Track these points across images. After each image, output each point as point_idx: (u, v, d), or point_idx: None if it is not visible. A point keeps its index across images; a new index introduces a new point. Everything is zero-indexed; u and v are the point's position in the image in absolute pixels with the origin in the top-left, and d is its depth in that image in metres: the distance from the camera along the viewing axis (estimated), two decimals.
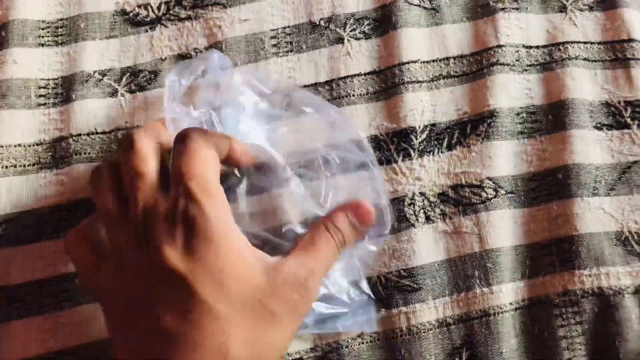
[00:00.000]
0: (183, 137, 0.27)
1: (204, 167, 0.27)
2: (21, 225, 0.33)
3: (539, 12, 0.37)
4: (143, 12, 0.38)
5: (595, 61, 0.36)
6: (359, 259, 0.31)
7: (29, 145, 0.35)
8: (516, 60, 0.36)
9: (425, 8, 0.37)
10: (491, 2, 0.37)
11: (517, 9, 0.37)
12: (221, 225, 0.26)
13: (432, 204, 0.33)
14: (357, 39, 0.37)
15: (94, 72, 0.36)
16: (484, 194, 0.33)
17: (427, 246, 0.33)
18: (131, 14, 0.38)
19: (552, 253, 0.32)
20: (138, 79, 0.36)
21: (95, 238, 0.29)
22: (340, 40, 0.37)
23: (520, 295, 0.32)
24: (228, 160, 0.29)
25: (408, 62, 0.35)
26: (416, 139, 0.34)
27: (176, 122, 0.30)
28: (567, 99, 0.35)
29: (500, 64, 0.35)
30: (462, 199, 0.33)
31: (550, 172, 0.34)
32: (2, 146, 0.34)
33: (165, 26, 0.38)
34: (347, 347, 0.31)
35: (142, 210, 0.26)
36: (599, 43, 0.37)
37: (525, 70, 0.36)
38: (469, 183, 0.33)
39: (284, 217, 0.31)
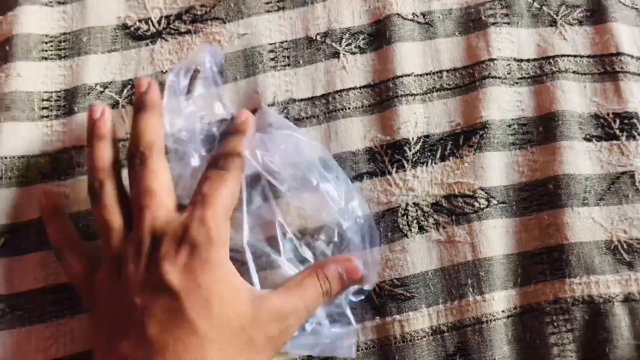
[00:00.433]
0: (216, 162, 0.30)
1: (227, 197, 0.29)
2: (23, 235, 0.34)
3: (529, 27, 0.38)
4: (144, 27, 0.39)
5: (585, 74, 0.37)
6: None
7: (32, 157, 0.35)
8: (507, 74, 0.37)
9: (418, 23, 0.38)
10: (483, 17, 0.38)
11: (508, 23, 0.38)
12: (221, 252, 0.28)
13: (426, 214, 0.34)
14: (353, 53, 0.38)
15: (96, 85, 0.37)
16: (476, 204, 0.34)
17: (420, 255, 0.33)
18: (132, 28, 0.39)
19: (543, 262, 0.33)
20: None
21: (84, 248, 0.32)
22: (336, 54, 0.38)
23: (512, 303, 0.32)
24: None
25: (402, 76, 0.36)
26: (410, 150, 0.35)
27: (174, 115, 0.33)
28: (557, 111, 0.35)
29: (492, 77, 0.36)
30: (455, 209, 0.34)
31: (541, 182, 0.34)
32: (5, 157, 0.35)
33: (166, 40, 0.38)
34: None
35: (151, 228, 0.28)
36: (588, 56, 0.37)
37: (517, 83, 0.37)
38: (461, 193, 0.34)
39: (281, 228, 0.32)
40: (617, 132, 0.35)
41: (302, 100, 0.36)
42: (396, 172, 0.35)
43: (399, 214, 0.34)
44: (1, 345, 0.32)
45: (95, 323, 0.30)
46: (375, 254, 0.32)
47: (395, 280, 0.33)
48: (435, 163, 0.35)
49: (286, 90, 0.37)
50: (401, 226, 0.34)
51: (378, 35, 0.38)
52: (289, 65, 0.37)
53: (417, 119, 0.36)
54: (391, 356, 0.32)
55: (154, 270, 0.27)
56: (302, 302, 0.29)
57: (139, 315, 0.26)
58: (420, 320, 0.32)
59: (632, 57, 0.37)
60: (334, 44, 0.38)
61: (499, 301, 0.32)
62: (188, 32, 0.38)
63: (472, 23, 0.38)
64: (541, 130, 0.36)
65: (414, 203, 0.34)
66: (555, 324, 0.32)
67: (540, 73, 0.37)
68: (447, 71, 0.37)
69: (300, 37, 0.38)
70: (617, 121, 0.36)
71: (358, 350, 0.32)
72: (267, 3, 0.39)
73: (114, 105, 0.37)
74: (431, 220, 0.34)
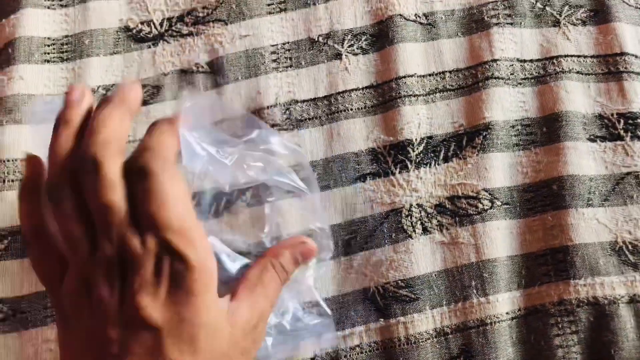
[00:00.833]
0: (143, 173, 0.23)
1: (179, 211, 0.23)
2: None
3: (532, 27, 0.38)
4: (146, 29, 0.39)
5: (589, 74, 0.37)
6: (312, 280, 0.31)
7: None
8: (511, 74, 0.37)
9: (421, 23, 0.38)
10: (486, 17, 0.38)
11: (512, 23, 0.38)
12: (205, 277, 0.24)
13: (429, 215, 0.34)
14: (355, 54, 0.37)
15: (98, 88, 0.37)
16: (480, 205, 0.34)
17: (424, 257, 0.33)
18: (134, 31, 0.39)
19: (547, 263, 0.33)
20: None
21: (54, 246, 0.26)
22: (338, 55, 0.37)
23: (516, 305, 0.32)
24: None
25: (405, 76, 0.36)
26: (413, 151, 0.35)
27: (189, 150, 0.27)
28: (561, 111, 0.35)
29: (495, 78, 0.36)
30: (458, 210, 0.34)
31: (545, 183, 0.34)
32: (8, 160, 0.35)
33: (168, 42, 0.38)
34: (346, 356, 0.32)
35: (118, 248, 0.23)
36: (592, 56, 0.37)
37: (520, 83, 0.37)
38: (465, 194, 0.34)
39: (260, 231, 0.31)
40: (622, 132, 0.35)
41: (304, 101, 0.36)
42: (399, 172, 0.35)
43: (403, 215, 0.34)
44: (4, 348, 0.32)
45: (65, 342, 0.26)
46: (324, 222, 0.31)
47: (399, 282, 0.33)
48: (438, 164, 0.35)
49: (288, 92, 0.37)
50: (405, 227, 0.34)
51: (380, 36, 0.38)
52: (291, 66, 0.37)
53: (420, 119, 0.36)
54: (395, 358, 0.31)
55: (130, 302, 0.23)
56: (267, 302, 0.27)
57: (115, 350, 0.23)
58: (424, 322, 0.32)
59: (636, 57, 0.37)
60: (336, 45, 0.38)
61: (503, 303, 0.32)
62: (190, 34, 0.38)
63: (474, 24, 0.38)
64: (545, 130, 0.35)
65: (417, 204, 0.34)
66: (560, 326, 0.32)
67: (544, 73, 0.37)
68: (450, 72, 0.37)
69: (303, 39, 0.38)
70: (622, 121, 0.35)
71: (362, 353, 0.32)
72: (269, 5, 0.39)
73: None
74: (435, 221, 0.34)
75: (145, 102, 0.37)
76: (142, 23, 0.39)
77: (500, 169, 0.34)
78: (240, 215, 0.33)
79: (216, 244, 0.29)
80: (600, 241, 0.33)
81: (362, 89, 0.37)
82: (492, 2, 0.38)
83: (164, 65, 0.38)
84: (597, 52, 0.37)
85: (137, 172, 0.23)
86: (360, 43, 0.38)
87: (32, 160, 0.27)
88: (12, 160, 0.35)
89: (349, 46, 0.38)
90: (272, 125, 0.36)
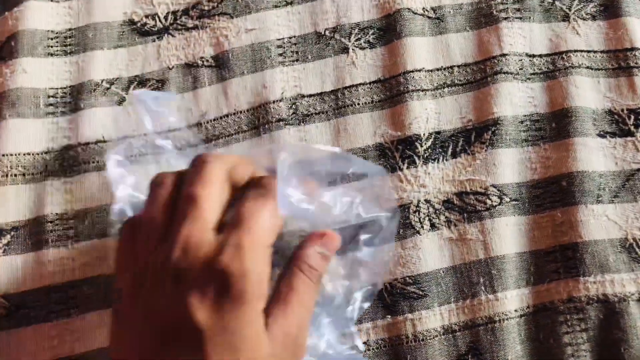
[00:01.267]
0: (261, 183, 0.26)
1: (268, 220, 0.25)
2: (28, 232, 0.34)
3: (542, 21, 0.38)
4: (150, 22, 0.38)
5: (599, 69, 0.36)
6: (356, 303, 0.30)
7: (38, 154, 0.35)
8: (520, 69, 0.36)
9: (429, 17, 0.38)
10: (494, 12, 0.38)
11: (520, 18, 0.37)
12: (256, 287, 0.24)
13: (437, 211, 0.33)
14: (362, 48, 0.37)
15: (102, 81, 0.37)
16: (488, 201, 0.33)
17: (432, 253, 0.33)
18: (139, 24, 0.39)
19: (556, 260, 0.32)
20: (145, 87, 0.37)
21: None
22: (345, 49, 0.37)
23: (525, 302, 0.32)
24: None
25: (413, 71, 0.36)
26: (421, 146, 0.35)
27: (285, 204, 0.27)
28: (570, 107, 0.35)
29: (504, 73, 0.36)
30: (466, 206, 0.33)
31: (554, 179, 0.34)
32: (11, 154, 0.35)
33: (173, 36, 0.38)
34: None
35: (184, 241, 0.24)
36: (601, 52, 0.37)
37: (529, 78, 0.36)
38: (473, 190, 0.34)
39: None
40: (632, 128, 0.35)
41: (311, 95, 0.36)
42: (407, 168, 0.34)
43: (411, 211, 0.33)
44: (7, 344, 0.32)
45: (114, 332, 0.26)
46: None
47: (407, 278, 0.32)
48: (446, 160, 0.34)
49: (295, 86, 0.36)
50: (413, 223, 0.33)
51: (388, 29, 0.37)
52: (297, 60, 0.37)
53: (428, 114, 0.35)
54: (403, 356, 0.31)
55: (179, 299, 0.24)
56: (304, 309, 0.26)
57: (157, 348, 0.24)
58: (432, 319, 0.32)
59: None
60: (343, 39, 0.37)
61: (511, 300, 0.32)
62: (195, 27, 0.38)
63: (483, 18, 0.38)
64: (554, 126, 0.35)
65: (425, 200, 0.34)
66: (569, 324, 0.31)
67: (553, 68, 0.36)
68: (459, 66, 0.37)
69: (309, 33, 0.38)
70: (632, 117, 0.35)
71: (369, 350, 0.31)
72: None
73: (120, 101, 0.36)
74: (443, 217, 0.33)
75: None
76: (146, 16, 0.39)
77: (509, 165, 0.34)
78: None
79: None
80: (610, 238, 0.32)
81: (370, 83, 0.36)
82: None
83: (168, 59, 0.37)
84: (607, 47, 0.37)
85: (255, 180, 0.26)
86: (367, 37, 0.37)
87: None
88: (15, 155, 0.35)
89: (356, 40, 0.37)
90: (278, 120, 0.35)
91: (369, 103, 0.36)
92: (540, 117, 0.35)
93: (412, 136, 0.35)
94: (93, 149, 0.35)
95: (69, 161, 0.35)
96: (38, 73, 0.37)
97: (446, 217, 0.33)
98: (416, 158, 0.34)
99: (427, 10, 0.38)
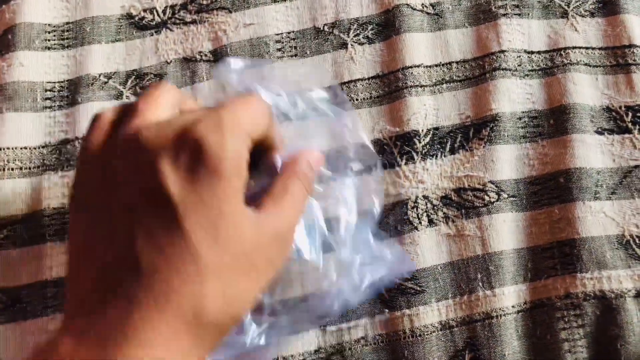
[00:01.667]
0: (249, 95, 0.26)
1: (255, 112, 0.24)
2: (26, 227, 0.33)
3: (540, 18, 0.38)
4: (149, 16, 0.38)
5: (597, 66, 0.36)
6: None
7: (35, 148, 0.35)
8: (518, 65, 0.36)
9: (428, 13, 0.38)
10: (493, 8, 0.38)
11: (519, 14, 0.37)
12: (234, 165, 0.22)
13: (435, 207, 0.33)
14: (361, 43, 0.37)
15: (100, 75, 0.37)
16: (486, 198, 0.33)
17: (430, 249, 0.33)
18: (137, 18, 0.38)
19: (554, 256, 0.33)
20: (143, 81, 0.37)
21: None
22: (344, 45, 0.37)
23: (522, 298, 0.32)
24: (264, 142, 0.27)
25: (411, 67, 0.36)
26: (419, 142, 0.35)
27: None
28: (568, 103, 0.35)
29: (503, 69, 0.36)
30: (464, 203, 0.33)
31: (552, 176, 0.34)
32: (8, 148, 0.35)
33: (171, 30, 0.38)
34: (350, 349, 0.31)
35: (149, 120, 0.23)
36: (600, 48, 0.37)
37: (527, 75, 0.36)
38: (471, 186, 0.34)
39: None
40: (630, 125, 0.35)
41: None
42: (405, 164, 0.34)
43: (409, 207, 0.33)
44: (4, 338, 0.32)
45: (74, 220, 0.24)
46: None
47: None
48: (445, 156, 0.34)
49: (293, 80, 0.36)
50: (411, 219, 0.33)
51: (387, 25, 0.37)
52: (296, 55, 0.37)
53: (427, 110, 0.35)
54: (400, 351, 0.31)
55: (149, 167, 0.22)
56: (294, 211, 0.26)
57: (126, 218, 0.22)
58: (430, 314, 0.32)
59: None
60: (341, 35, 0.37)
61: (509, 296, 0.32)
62: (193, 21, 0.38)
63: (482, 14, 0.38)
64: (552, 123, 0.35)
65: (423, 196, 0.34)
66: (566, 320, 0.31)
67: (551, 65, 0.36)
68: (457, 63, 0.37)
69: (308, 28, 0.37)
70: (630, 114, 0.35)
71: (367, 345, 0.31)
72: None
73: (118, 95, 0.36)
74: (440, 213, 0.33)
75: None
76: (144, 10, 0.39)
77: (507, 161, 0.34)
78: None
79: None
80: (607, 234, 0.32)
81: (368, 79, 0.36)
82: None
83: (166, 54, 0.37)
84: (605, 44, 0.37)
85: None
86: (366, 32, 0.37)
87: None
88: (12, 149, 0.35)
89: (355, 35, 0.37)
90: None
91: (367, 99, 0.36)
92: (538, 114, 0.35)
93: (410, 132, 0.35)
94: None
95: (66, 155, 0.35)
96: (35, 67, 0.37)
97: (444, 213, 0.33)
98: (414, 154, 0.34)
99: (426, 6, 0.38)
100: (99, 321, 0.21)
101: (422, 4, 0.38)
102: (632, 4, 0.38)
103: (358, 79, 0.36)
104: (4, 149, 0.34)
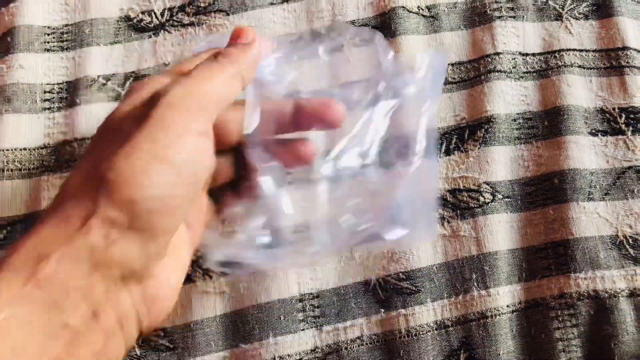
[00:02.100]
0: (225, 52, 0.26)
1: (218, 85, 0.25)
2: (25, 228, 0.34)
3: (535, 20, 0.38)
4: (147, 19, 0.39)
5: (591, 68, 0.37)
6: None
7: (34, 149, 0.35)
8: (513, 68, 0.36)
9: (424, 16, 0.38)
10: (488, 11, 0.38)
11: (514, 17, 0.38)
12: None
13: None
14: (357, 46, 0.37)
15: (98, 77, 0.37)
16: (481, 199, 0.34)
17: (425, 249, 0.33)
18: (135, 20, 0.39)
19: (548, 256, 0.33)
20: None
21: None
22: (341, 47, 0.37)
23: (517, 298, 0.32)
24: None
25: None
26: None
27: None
28: (562, 105, 0.35)
29: (497, 71, 0.36)
30: (460, 203, 0.34)
31: (546, 177, 0.34)
32: (7, 149, 0.35)
33: (169, 32, 0.38)
34: (346, 348, 0.32)
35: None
36: (594, 51, 0.37)
37: (522, 77, 0.37)
38: (466, 187, 0.34)
39: None
40: (623, 126, 0.35)
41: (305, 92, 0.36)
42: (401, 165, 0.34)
43: None
44: None
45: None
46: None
47: (400, 274, 0.33)
48: (440, 157, 0.35)
49: (290, 82, 0.36)
50: None
51: (383, 28, 0.38)
52: None
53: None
54: (396, 351, 0.31)
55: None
56: (206, 82, 0.25)
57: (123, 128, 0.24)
58: (425, 314, 0.32)
59: (638, 51, 0.37)
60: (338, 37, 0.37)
61: (503, 296, 0.32)
62: (191, 24, 0.38)
63: (477, 17, 0.38)
64: (546, 124, 0.35)
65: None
66: (560, 319, 0.32)
67: (546, 67, 0.37)
68: (452, 65, 0.37)
69: (305, 30, 0.38)
70: (623, 116, 0.35)
71: (362, 345, 0.32)
72: None
73: (117, 97, 0.36)
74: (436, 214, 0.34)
75: None
76: (143, 13, 0.39)
77: (502, 163, 0.34)
78: None
79: None
80: (600, 235, 0.33)
81: (365, 81, 0.36)
82: None
83: (165, 55, 0.38)
84: (599, 46, 0.37)
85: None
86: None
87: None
88: (12, 150, 0.35)
89: (351, 38, 0.37)
90: None
91: (366, 100, 0.36)
92: (533, 115, 0.36)
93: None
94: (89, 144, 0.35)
95: (65, 156, 0.35)
96: (34, 68, 0.37)
97: (440, 213, 0.34)
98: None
99: (421, 8, 0.38)
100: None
101: (418, 7, 0.38)
102: (625, 7, 0.38)
103: (354, 82, 0.36)
104: (3, 150, 0.35)
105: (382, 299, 0.32)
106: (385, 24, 0.38)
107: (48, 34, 0.38)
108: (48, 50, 0.38)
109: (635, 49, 0.37)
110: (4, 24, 0.38)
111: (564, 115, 0.35)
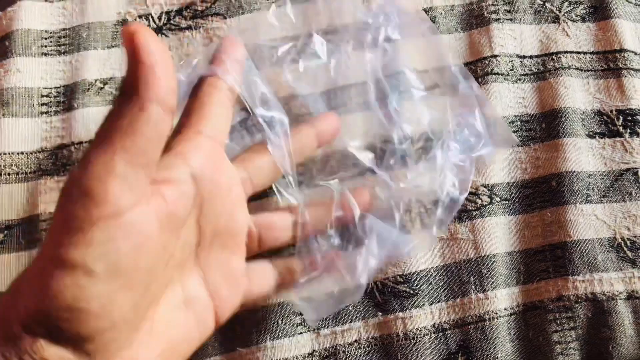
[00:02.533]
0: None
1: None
2: (22, 231, 0.34)
3: (532, 23, 0.38)
4: (144, 22, 0.39)
5: (588, 71, 0.37)
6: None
7: (31, 153, 0.35)
8: (510, 70, 0.36)
9: None
10: (485, 13, 0.38)
11: (511, 19, 0.38)
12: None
13: (428, 211, 0.34)
14: (354, 49, 0.37)
15: (96, 81, 0.37)
16: (479, 201, 0.34)
17: (423, 252, 0.33)
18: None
19: (546, 259, 0.33)
20: None
21: None
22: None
23: (514, 301, 0.32)
24: None
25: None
26: (413, 146, 0.35)
27: None
28: (560, 107, 0.35)
29: (495, 74, 0.36)
30: None
31: (544, 179, 0.34)
32: (4, 153, 0.35)
33: (166, 36, 0.38)
34: (344, 352, 0.32)
35: None
36: (591, 53, 0.37)
37: (519, 79, 0.37)
38: None
39: None
40: (621, 129, 0.35)
41: (303, 96, 0.36)
42: (399, 168, 0.34)
43: (402, 210, 0.34)
44: None
45: None
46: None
47: (398, 277, 0.32)
48: None
49: (288, 87, 0.36)
50: (404, 222, 0.33)
51: None
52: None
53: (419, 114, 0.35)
54: (394, 354, 0.31)
55: None
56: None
57: None
58: (422, 317, 0.32)
59: (635, 53, 0.37)
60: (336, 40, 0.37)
61: (501, 299, 0.32)
62: (189, 27, 0.38)
63: (474, 19, 0.38)
64: (544, 127, 0.35)
65: (417, 199, 0.34)
66: (558, 322, 0.32)
67: (543, 69, 0.37)
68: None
69: (302, 34, 0.38)
70: (621, 118, 0.35)
71: (360, 348, 0.32)
72: None
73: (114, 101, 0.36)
74: (433, 217, 0.33)
75: None
76: (140, 17, 0.39)
77: (499, 165, 0.34)
78: None
79: None
80: (598, 237, 0.33)
81: (362, 84, 0.36)
82: None
83: None
84: (596, 48, 0.37)
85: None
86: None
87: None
88: (9, 154, 0.35)
89: (347, 42, 0.37)
90: None
91: (361, 104, 0.36)
92: (530, 118, 0.36)
93: (404, 136, 0.35)
94: (86, 148, 0.35)
95: (63, 160, 0.35)
96: (32, 73, 0.37)
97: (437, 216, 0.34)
98: (408, 158, 0.35)
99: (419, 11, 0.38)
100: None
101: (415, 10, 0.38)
102: (622, 9, 0.38)
103: (352, 84, 0.36)
104: (0, 154, 0.35)
105: (379, 302, 0.32)
106: None
107: (45, 38, 0.38)
108: (45, 54, 0.38)
109: (632, 51, 0.37)
110: (1, 28, 0.38)
111: (561, 117, 0.35)
